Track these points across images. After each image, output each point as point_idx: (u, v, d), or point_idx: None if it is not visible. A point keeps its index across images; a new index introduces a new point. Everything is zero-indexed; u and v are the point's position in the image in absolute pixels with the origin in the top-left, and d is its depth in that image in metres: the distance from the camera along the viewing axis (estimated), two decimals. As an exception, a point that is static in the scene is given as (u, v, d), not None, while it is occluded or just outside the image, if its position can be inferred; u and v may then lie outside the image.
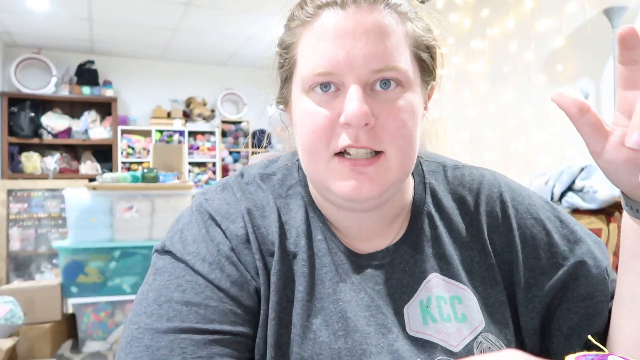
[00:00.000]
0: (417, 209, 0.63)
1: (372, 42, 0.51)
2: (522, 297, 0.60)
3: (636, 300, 0.53)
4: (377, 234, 0.61)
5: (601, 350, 0.47)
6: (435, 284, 0.59)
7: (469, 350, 0.55)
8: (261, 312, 0.56)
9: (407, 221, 0.63)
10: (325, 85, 0.53)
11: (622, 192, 0.51)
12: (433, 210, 0.63)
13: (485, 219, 0.63)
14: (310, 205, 0.62)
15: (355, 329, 0.55)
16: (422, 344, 0.55)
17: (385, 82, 0.52)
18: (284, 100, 0.62)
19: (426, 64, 0.58)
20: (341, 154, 0.53)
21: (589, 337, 0.56)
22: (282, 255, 0.58)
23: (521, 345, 0.60)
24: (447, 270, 0.60)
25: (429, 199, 0.64)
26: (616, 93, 0.47)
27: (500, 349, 0.56)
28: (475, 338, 0.56)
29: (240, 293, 0.55)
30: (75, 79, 5.57)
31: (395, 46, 0.52)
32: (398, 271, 0.60)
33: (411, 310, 0.58)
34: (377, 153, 0.53)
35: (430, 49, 0.58)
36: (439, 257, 0.61)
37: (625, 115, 0.46)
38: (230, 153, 6.27)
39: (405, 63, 0.53)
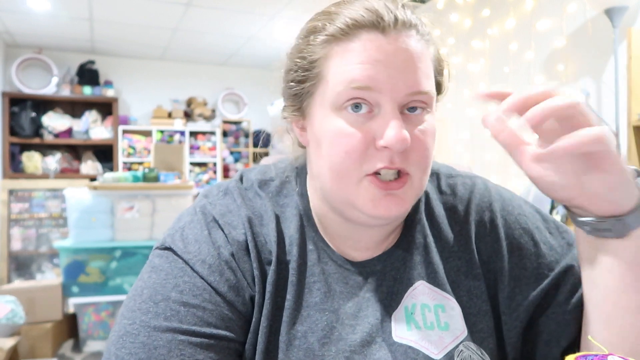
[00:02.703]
0: (410, 217, 0.64)
1: (411, 67, 0.52)
2: (505, 306, 0.61)
3: (589, 306, 0.55)
4: (374, 244, 0.62)
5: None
6: (420, 292, 0.60)
7: (449, 358, 0.56)
8: (253, 319, 0.56)
9: (401, 229, 0.64)
10: (357, 106, 0.53)
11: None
12: (425, 219, 0.64)
13: (474, 229, 0.64)
14: (305, 214, 0.63)
15: (340, 338, 0.56)
16: (405, 350, 0.56)
17: (416, 107, 0.54)
18: (301, 113, 0.60)
19: (440, 85, 0.60)
20: (371, 174, 0.54)
21: (589, 337, 0.57)
22: (278, 264, 0.58)
23: (503, 353, 0.61)
24: (433, 278, 0.61)
25: (422, 207, 0.65)
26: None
27: (482, 357, 0.57)
28: (457, 346, 0.57)
29: (236, 298, 0.56)
30: (76, 78, 5.58)
31: (427, 72, 0.54)
32: (389, 278, 0.61)
33: (398, 316, 0.59)
34: (402, 174, 0.54)
35: (442, 72, 0.60)
36: (426, 265, 0.61)
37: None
38: (231, 153, 6.27)
39: (432, 87, 0.55)
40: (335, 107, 0.54)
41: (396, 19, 0.52)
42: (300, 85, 0.57)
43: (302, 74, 0.57)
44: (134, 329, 0.52)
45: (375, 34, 0.52)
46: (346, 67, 0.52)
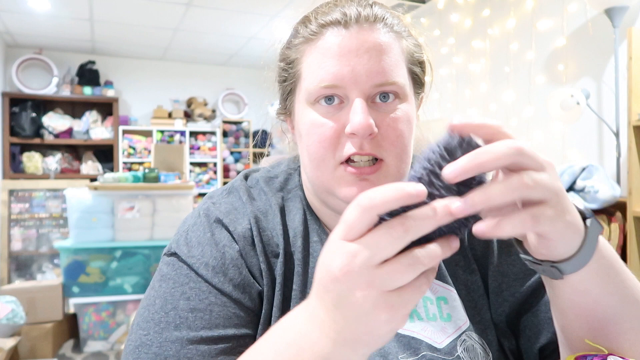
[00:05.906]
0: None
1: (374, 59, 0.55)
2: (492, 300, 0.63)
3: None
4: None
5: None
6: None
7: (452, 347, 0.58)
8: (263, 311, 0.58)
9: None
10: (329, 98, 0.56)
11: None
12: None
13: None
14: (308, 208, 0.65)
15: None
16: (408, 341, 0.58)
17: (385, 95, 0.56)
18: (287, 111, 0.64)
19: (418, 77, 0.62)
20: (346, 162, 0.56)
21: (586, 340, 0.56)
22: (285, 257, 0.60)
23: (500, 345, 0.62)
24: None
25: None
26: None
27: (483, 347, 0.59)
28: (460, 336, 0.59)
29: (243, 295, 0.57)
30: (76, 79, 5.58)
31: (394, 62, 0.56)
32: None
33: None
34: (377, 160, 0.56)
35: (421, 64, 0.63)
36: None
37: None
38: (232, 153, 6.27)
39: (402, 77, 0.57)
40: (309, 101, 0.57)
41: (359, 14, 0.56)
42: (284, 84, 0.62)
43: (284, 74, 0.62)
44: (148, 339, 0.54)
45: (338, 29, 0.56)
46: (315, 65, 0.56)
